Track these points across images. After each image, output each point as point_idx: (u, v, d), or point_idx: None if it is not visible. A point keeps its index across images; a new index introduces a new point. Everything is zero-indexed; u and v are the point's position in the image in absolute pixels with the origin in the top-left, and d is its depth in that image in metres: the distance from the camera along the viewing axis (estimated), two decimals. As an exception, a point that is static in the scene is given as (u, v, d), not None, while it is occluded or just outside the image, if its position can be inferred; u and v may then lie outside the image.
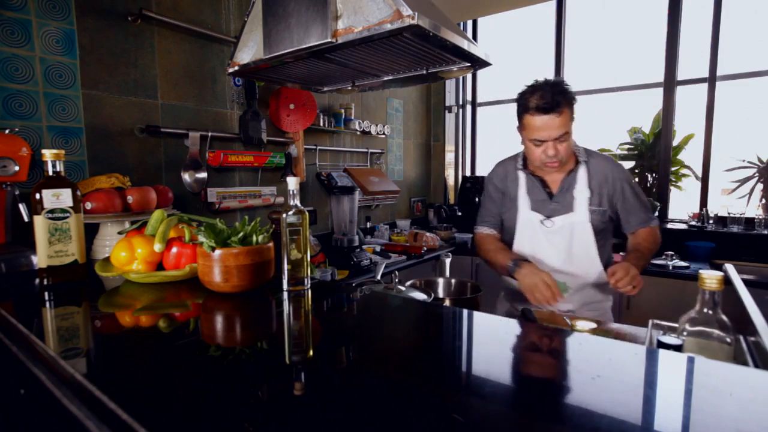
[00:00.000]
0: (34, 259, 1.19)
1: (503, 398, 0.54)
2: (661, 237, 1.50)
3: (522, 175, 1.53)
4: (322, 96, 2.83)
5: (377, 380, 0.59)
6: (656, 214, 1.49)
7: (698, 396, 0.52)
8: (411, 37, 1.17)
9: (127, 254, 1.06)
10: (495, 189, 1.61)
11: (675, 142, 3.15)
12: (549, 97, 1.29)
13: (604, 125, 3.48)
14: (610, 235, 1.55)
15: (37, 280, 1.09)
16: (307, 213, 0.97)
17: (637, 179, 3.36)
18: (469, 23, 3.85)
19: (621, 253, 2.74)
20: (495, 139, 3.93)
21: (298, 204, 0.97)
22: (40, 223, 1.03)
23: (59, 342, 0.73)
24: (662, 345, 0.77)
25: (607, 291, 1.52)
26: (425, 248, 2.92)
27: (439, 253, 2.91)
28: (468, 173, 4.06)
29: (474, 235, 1.68)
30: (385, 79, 1.63)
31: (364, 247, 2.69)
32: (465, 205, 3.67)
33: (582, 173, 1.45)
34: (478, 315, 0.85)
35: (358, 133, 3.08)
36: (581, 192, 1.44)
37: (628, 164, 3.37)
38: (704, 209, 2.94)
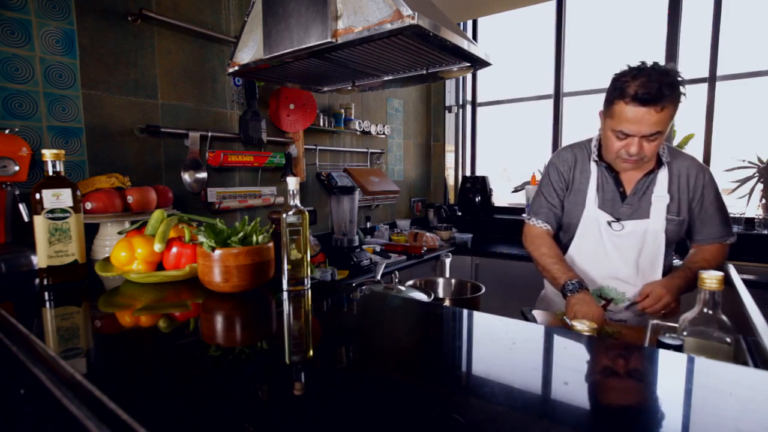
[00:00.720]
0: (34, 259, 1.19)
1: (503, 398, 0.54)
2: (725, 259, 1.33)
3: (595, 168, 1.36)
4: (322, 96, 2.83)
5: (377, 380, 0.59)
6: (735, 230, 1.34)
7: (698, 396, 0.52)
8: (411, 37, 1.17)
9: (127, 254, 1.06)
10: (559, 177, 1.41)
11: (675, 142, 3.14)
12: (654, 87, 1.08)
13: (604, 125, 3.48)
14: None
15: (37, 280, 1.09)
16: (307, 213, 0.97)
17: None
18: (469, 23, 3.85)
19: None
20: (495, 139, 3.93)
21: (298, 204, 0.97)
22: (40, 223, 1.03)
23: (59, 342, 0.73)
24: (662, 345, 0.77)
25: None
26: (425, 248, 2.92)
27: (439, 253, 2.91)
28: (468, 173, 4.06)
29: (524, 227, 1.49)
30: (385, 79, 1.63)
31: (364, 247, 2.69)
32: (465, 205, 3.67)
33: (663, 176, 1.28)
34: (478, 315, 0.85)
35: (358, 133, 3.08)
36: (660, 197, 1.28)
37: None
38: (704, 209, 2.94)
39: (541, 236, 1.42)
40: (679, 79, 1.12)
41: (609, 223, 1.32)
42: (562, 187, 1.41)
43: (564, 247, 1.44)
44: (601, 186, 1.35)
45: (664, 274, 1.33)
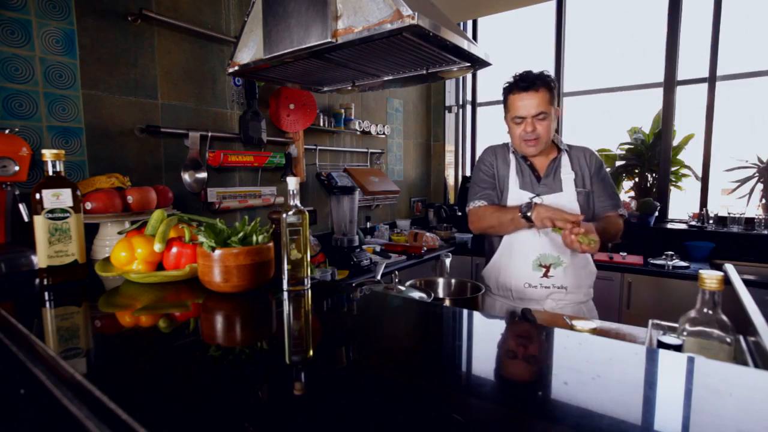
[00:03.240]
0: (34, 259, 1.19)
1: (503, 398, 0.54)
2: (623, 229, 1.58)
3: (513, 158, 1.63)
4: (322, 96, 2.83)
5: (377, 380, 0.59)
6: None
7: (698, 396, 0.52)
8: (411, 37, 1.17)
9: (127, 254, 1.06)
10: (487, 168, 1.67)
11: (675, 142, 3.15)
12: (528, 78, 1.46)
13: (604, 125, 3.49)
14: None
15: (37, 280, 1.09)
16: (307, 213, 0.97)
17: (637, 179, 3.36)
18: (469, 23, 3.85)
19: (622, 253, 2.74)
20: (495, 139, 3.93)
21: (298, 204, 0.97)
22: (40, 223, 1.03)
23: (59, 342, 0.73)
24: (662, 345, 0.77)
25: (591, 284, 1.63)
26: (425, 248, 2.92)
27: (439, 253, 2.91)
28: (468, 173, 4.06)
29: (468, 213, 1.70)
30: (385, 79, 1.63)
31: (364, 247, 2.69)
32: (465, 205, 3.66)
33: (565, 159, 1.59)
34: (477, 315, 0.85)
35: (358, 133, 3.09)
36: (567, 174, 1.56)
37: (629, 164, 3.37)
38: (704, 209, 2.94)
39: (484, 207, 1.64)
40: (546, 74, 1.48)
41: (531, 200, 1.52)
42: (491, 175, 1.67)
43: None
44: (520, 171, 1.61)
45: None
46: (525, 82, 1.46)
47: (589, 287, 1.62)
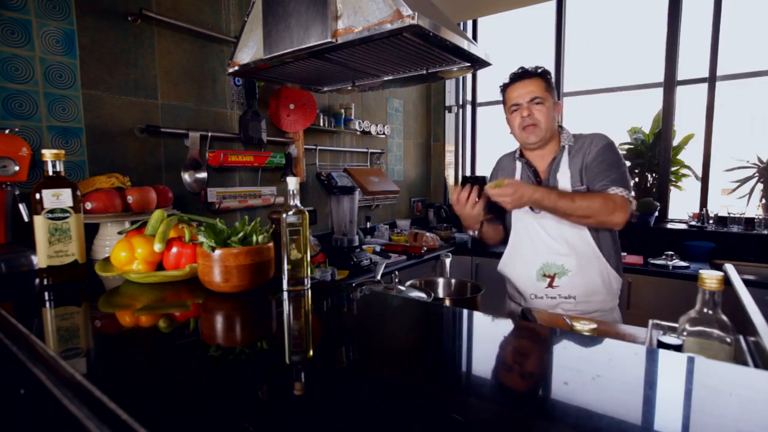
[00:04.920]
0: (34, 259, 1.19)
1: (503, 398, 0.54)
2: (619, 209, 1.33)
3: (518, 165, 1.59)
4: (322, 96, 2.83)
5: (377, 380, 0.59)
6: (632, 194, 1.40)
7: (698, 396, 0.52)
8: (411, 37, 1.17)
9: (127, 254, 1.06)
10: (502, 173, 1.65)
11: (675, 142, 3.15)
12: (521, 69, 1.50)
13: (604, 125, 3.49)
14: None
15: (37, 280, 1.09)
16: (307, 213, 0.97)
17: (637, 179, 3.35)
18: (469, 23, 3.85)
19: (622, 253, 2.74)
20: (495, 139, 3.93)
21: (298, 204, 0.97)
22: (40, 223, 1.03)
23: (59, 342, 0.73)
24: (662, 345, 0.77)
25: (612, 291, 1.48)
26: (425, 248, 2.92)
27: (439, 253, 2.91)
28: (468, 173, 4.06)
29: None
30: (385, 79, 1.63)
31: (364, 247, 2.69)
32: (465, 205, 3.66)
33: (564, 157, 1.49)
34: (477, 315, 0.85)
35: (358, 133, 3.08)
36: (563, 174, 1.47)
37: (629, 164, 3.37)
38: (704, 209, 2.94)
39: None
40: (540, 66, 1.49)
41: (531, 208, 1.49)
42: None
43: (507, 238, 1.62)
44: (523, 179, 1.57)
45: (597, 243, 1.44)
46: (517, 74, 1.50)
47: (607, 294, 1.46)
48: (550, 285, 1.46)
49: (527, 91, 1.46)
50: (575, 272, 1.44)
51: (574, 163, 1.46)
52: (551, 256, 1.46)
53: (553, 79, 1.53)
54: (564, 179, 1.46)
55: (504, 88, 1.54)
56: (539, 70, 1.48)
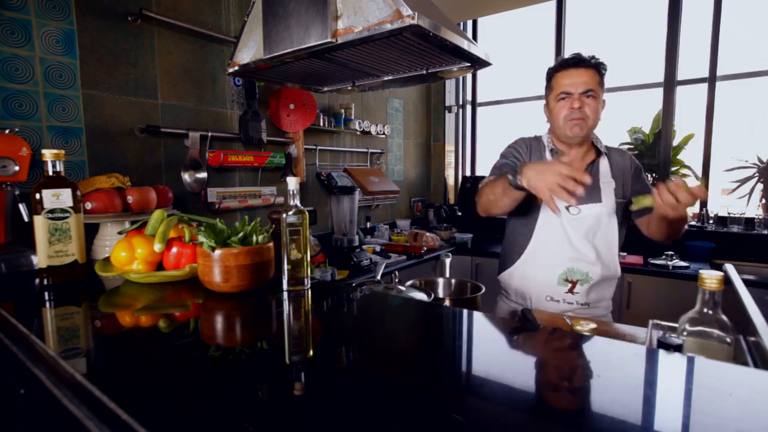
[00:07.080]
0: (34, 259, 1.19)
1: (503, 398, 0.54)
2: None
3: (549, 158, 1.46)
4: (322, 96, 2.83)
5: (377, 380, 0.59)
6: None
7: (698, 396, 0.52)
8: (411, 37, 1.17)
9: (127, 254, 1.06)
10: (518, 155, 1.48)
11: (675, 142, 3.15)
12: (578, 56, 1.38)
13: (604, 125, 3.47)
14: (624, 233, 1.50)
15: (37, 280, 1.09)
16: (307, 213, 0.97)
17: (637, 179, 3.35)
18: (469, 23, 3.85)
19: (622, 253, 2.74)
20: (495, 139, 3.93)
21: (298, 204, 0.97)
22: (40, 223, 1.03)
23: (59, 342, 0.73)
24: (662, 345, 0.77)
25: (613, 289, 1.50)
26: (425, 248, 2.92)
27: (439, 253, 2.91)
28: (468, 173, 4.06)
29: (477, 194, 1.46)
30: (385, 79, 1.63)
31: (364, 247, 2.69)
32: (465, 205, 3.67)
33: (604, 163, 1.43)
34: (478, 315, 0.85)
35: (358, 133, 3.08)
36: (607, 182, 1.40)
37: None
38: (704, 209, 2.94)
39: (484, 185, 1.41)
40: (595, 56, 1.39)
41: (567, 208, 1.39)
42: (522, 160, 1.48)
43: (527, 236, 1.48)
44: None
45: (620, 255, 1.45)
46: (573, 59, 1.37)
47: (609, 300, 1.49)
48: (570, 290, 1.41)
49: (582, 81, 1.35)
50: (597, 282, 1.40)
51: (615, 174, 1.42)
52: (578, 262, 1.40)
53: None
54: (608, 188, 1.40)
55: (552, 73, 1.42)
56: (597, 61, 1.38)
